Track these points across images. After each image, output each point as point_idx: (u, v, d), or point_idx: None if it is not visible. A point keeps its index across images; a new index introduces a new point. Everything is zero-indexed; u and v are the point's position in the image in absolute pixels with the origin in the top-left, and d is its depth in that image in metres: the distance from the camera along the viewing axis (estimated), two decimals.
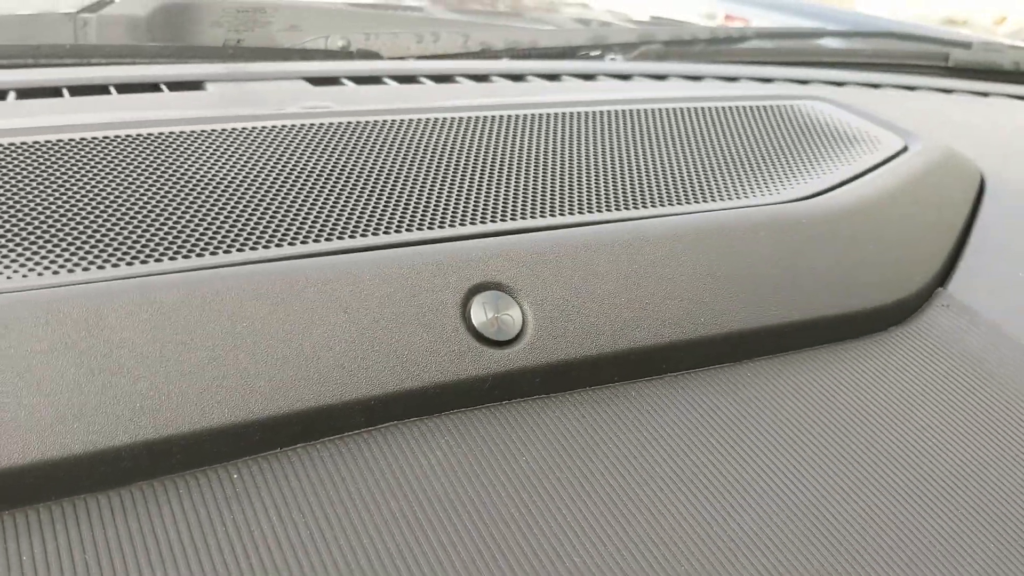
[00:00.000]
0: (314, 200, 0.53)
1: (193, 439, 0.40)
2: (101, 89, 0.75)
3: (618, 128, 0.68)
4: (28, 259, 0.44)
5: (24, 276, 0.43)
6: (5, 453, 0.37)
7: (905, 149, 0.70)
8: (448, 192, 0.55)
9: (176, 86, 0.77)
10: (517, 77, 0.92)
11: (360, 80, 0.85)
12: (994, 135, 0.89)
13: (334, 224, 0.51)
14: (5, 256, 0.44)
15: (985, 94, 1.13)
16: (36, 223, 0.47)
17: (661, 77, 0.98)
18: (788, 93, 0.83)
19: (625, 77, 0.97)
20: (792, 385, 0.51)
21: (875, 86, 1.07)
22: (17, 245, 0.45)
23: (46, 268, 0.44)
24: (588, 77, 0.95)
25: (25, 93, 0.72)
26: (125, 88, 0.75)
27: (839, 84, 1.06)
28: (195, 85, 0.78)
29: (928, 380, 0.53)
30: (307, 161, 0.57)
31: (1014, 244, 0.66)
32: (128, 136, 0.57)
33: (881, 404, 0.51)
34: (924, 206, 0.64)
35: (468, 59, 0.99)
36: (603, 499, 0.42)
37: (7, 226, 0.47)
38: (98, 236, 0.47)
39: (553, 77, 0.94)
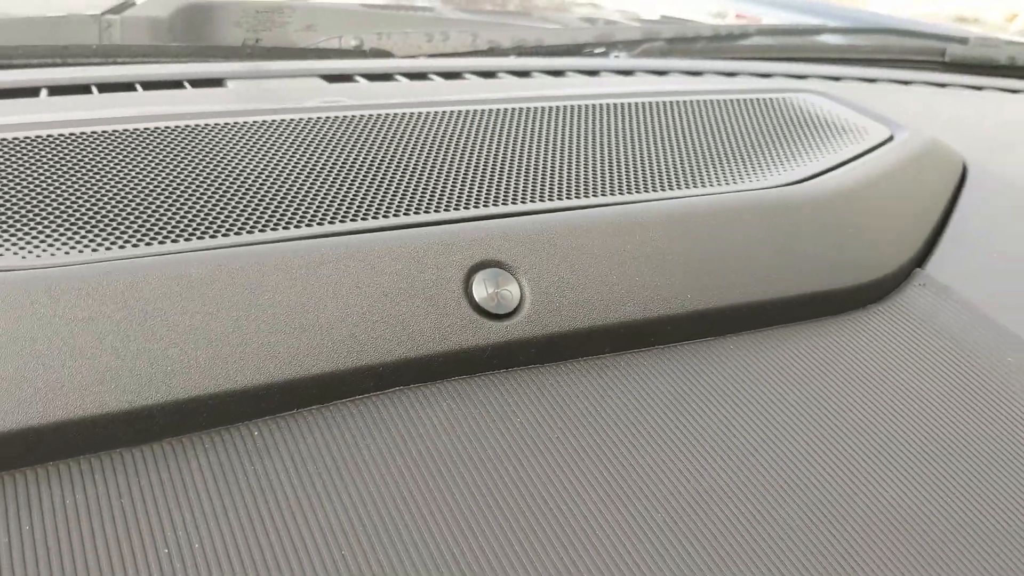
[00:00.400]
0: (330, 186, 0.57)
1: (219, 399, 0.44)
2: (127, 86, 0.79)
3: (615, 120, 0.71)
4: (70, 238, 0.49)
5: (66, 253, 0.47)
6: (50, 410, 0.41)
7: (891, 139, 0.73)
8: (454, 178, 0.59)
9: (198, 83, 0.81)
10: (523, 73, 0.95)
11: (373, 77, 0.89)
12: (980, 127, 0.92)
13: (348, 207, 0.55)
14: (49, 235, 0.49)
15: (979, 88, 1.16)
16: (76, 207, 0.51)
17: (662, 73, 1.02)
18: (781, 87, 0.86)
19: (627, 73, 1.00)
20: (772, 357, 0.54)
21: (871, 80, 1.10)
22: (59, 226, 0.50)
23: (86, 246, 0.48)
24: (592, 73, 0.99)
25: (56, 90, 0.76)
26: (150, 85, 0.79)
27: (836, 79, 1.09)
28: (216, 82, 0.82)
29: (903, 353, 0.57)
30: (324, 151, 0.61)
31: (991, 229, 0.70)
32: (156, 128, 0.61)
33: (857, 375, 0.54)
34: (906, 192, 0.68)
35: (476, 57, 1.03)
36: (591, 457, 0.46)
37: (50, 209, 0.51)
38: (132, 218, 0.51)
39: (557, 73, 0.97)
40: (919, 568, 0.42)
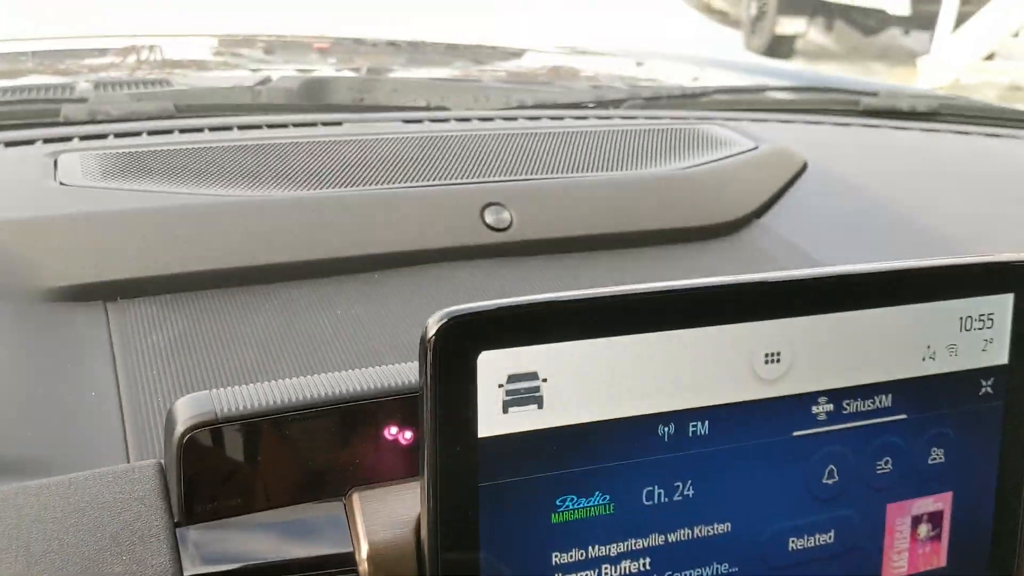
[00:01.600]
0: (410, 166, 1.03)
1: (338, 261, 0.90)
2: (283, 126, 1.28)
3: (583, 139, 1.17)
4: (269, 185, 0.96)
5: (226, 192, 0.94)
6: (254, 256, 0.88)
7: (755, 148, 1.17)
8: (481, 164, 1.06)
9: (327, 124, 1.29)
10: (535, 119, 1.42)
11: (434, 121, 1.36)
12: (838, 146, 1.36)
13: (424, 176, 1.01)
14: (257, 185, 0.96)
15: (877, 127, 1.59)
16: (268, 175, 0.99)
17: (633, 119, 1.47)
18: (692, 118, 1.31)
19: (608, 119, 1.46)
20: (648, 261, 0.99)
21: (788, 122, 1.54)
22: (264, 182, 0.97)
23: (245, 190, 0.95)
24: (582, 119, 1.45)
25: (243, 128, 1.25)
26: (298, 125, 1.28)
27: (764, 122, 1.54)
28: (337, 124, 1.30)
29: (731, 268, 1.00)
30: (405, 154, 1.08)
31: (813, 200, 1.13)
32: (306, 144, 1.09)
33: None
34: (754, 175, 1.12)
35: (506, 110, 1.50)
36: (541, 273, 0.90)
37: (258, 176, 0.98)
38: (301, 178, 0.98)
39: (559, 119, 1.44)
40: None
